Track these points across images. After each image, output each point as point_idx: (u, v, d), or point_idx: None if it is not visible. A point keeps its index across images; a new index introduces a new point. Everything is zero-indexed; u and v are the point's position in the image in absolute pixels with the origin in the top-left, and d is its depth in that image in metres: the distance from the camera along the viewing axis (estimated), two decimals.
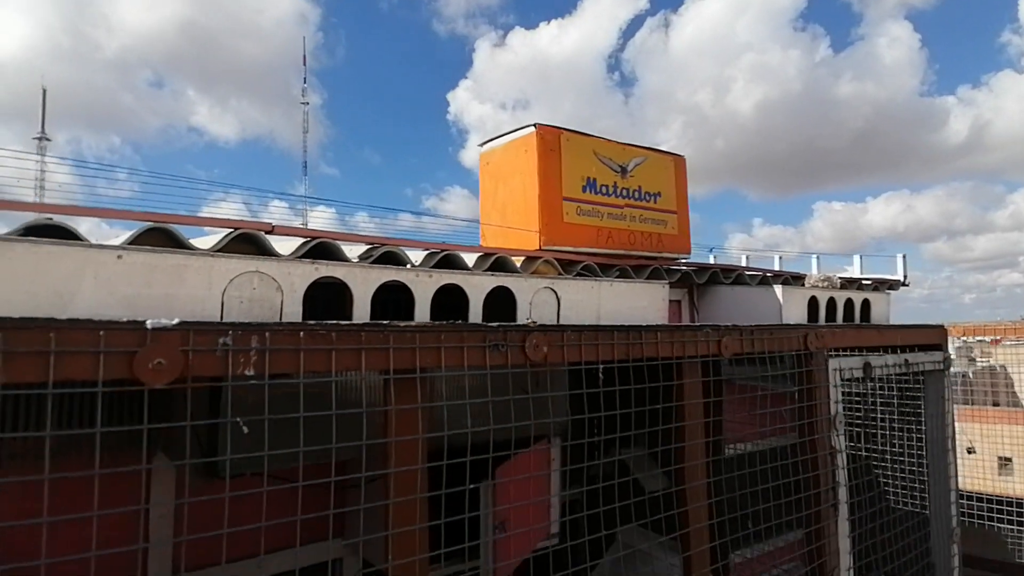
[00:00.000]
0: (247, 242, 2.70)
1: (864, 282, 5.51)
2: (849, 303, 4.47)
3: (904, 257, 5.83)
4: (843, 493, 1.86)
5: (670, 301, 4.46)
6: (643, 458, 2.65)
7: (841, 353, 1.97)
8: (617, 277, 3.74)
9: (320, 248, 2.73)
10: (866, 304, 4.65)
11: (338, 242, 2.80)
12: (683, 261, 4.37)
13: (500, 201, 3.84)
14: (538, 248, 3.55)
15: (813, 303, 4.25)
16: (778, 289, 4.08)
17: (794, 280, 4.91)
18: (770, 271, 4.81)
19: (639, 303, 3.31)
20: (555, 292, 3.05)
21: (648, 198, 3.98)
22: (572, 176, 3.64)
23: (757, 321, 2.24)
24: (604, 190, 3.77)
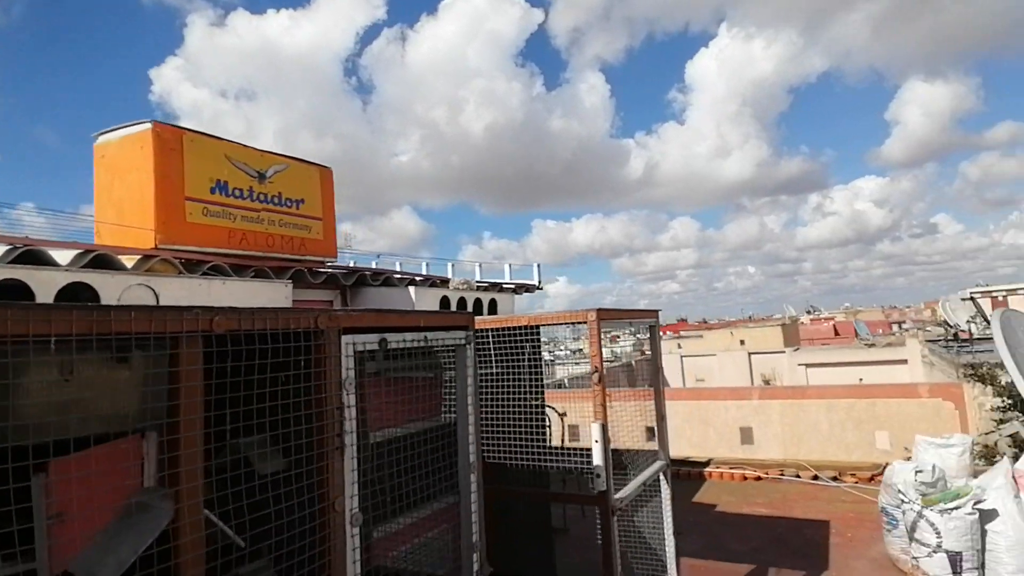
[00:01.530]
0: None
1: (506, 285, 6.64)
2: (478, 301, 5.37)
3: (539, 266, 7.20)
4: (349, 439, 2.29)
5: (323, 300, 4.78)
6: (261, 442, 2.85)
7: (359, 331, 2.43)
8: (253, 277, 3.90)
9: None
10: (492, 302, 5.63)
11: None
12: (332, 264, 4.72)
13: (116, 197, 3.66)
14: (154, 247, 3.49)
15: (445, 301, 5.00)
16: (411, 290, 4.70)
17: (441, 283, 5.69)
18: (419, 275, 5.49)
19: (258, 301, 3.50)
20: (152, 289, 3.05)
21: (290, 204, 4.21)
22: (198, 177, 3.67)
23: None
24: (238, 193, 3.88)
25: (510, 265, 7.16)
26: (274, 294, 3.57)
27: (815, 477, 7.64)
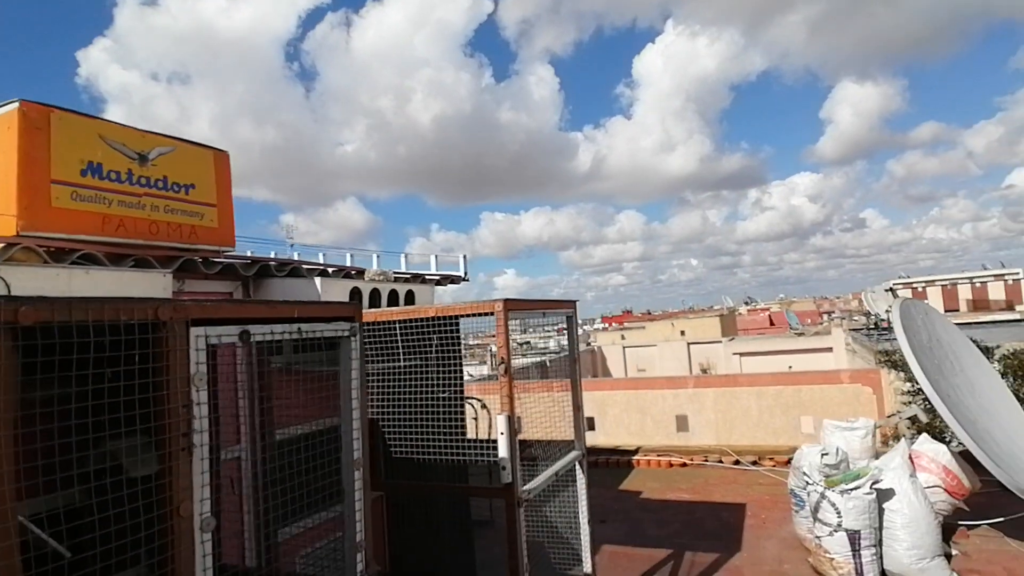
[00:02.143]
0: None
1: (428, 277, 6.51)
2: (393, 293, 5.24)
3: (464, 258, 7.09)
4: (199, 438, 2.12)
5: (221, 292, 4.53)
6: (131, 443, 2.63)
7: (216, 323, 2.26)
8: (132, 267, 3.63)
9: None
10: (410, 294, 5.50)
11: None
12: (231, 254, 4.47)
13: None
14: (16, 234, 3.20)
15: (356, 292, 4.84)
16: (318, 280, 4.53)
17: (356, 274, 5.51)
18: (333, 266, 5.30)
19: (131, 293, 3.25)
20: (3, 280, 2.78)
21: (177, 189, 3.95)
22: (67, 158, 3.38)
23: None
24: (114, 176, 3.60)
25: (436, 257, 7.04)
26: (150, 285, 3.33)
27: (736, 462, 7.87)
